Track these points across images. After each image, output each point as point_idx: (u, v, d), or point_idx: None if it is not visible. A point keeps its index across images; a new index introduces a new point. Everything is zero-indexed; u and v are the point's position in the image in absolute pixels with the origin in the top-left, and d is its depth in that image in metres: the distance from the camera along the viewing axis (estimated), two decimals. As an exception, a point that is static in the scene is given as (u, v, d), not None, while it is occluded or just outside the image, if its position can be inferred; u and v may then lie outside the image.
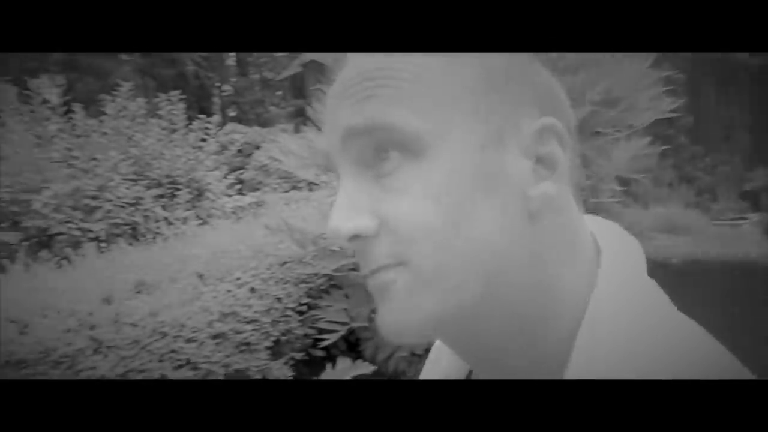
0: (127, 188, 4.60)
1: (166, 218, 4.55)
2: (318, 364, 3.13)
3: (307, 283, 3.31)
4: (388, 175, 0.42)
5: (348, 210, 0.42)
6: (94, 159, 4.70)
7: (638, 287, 0.45)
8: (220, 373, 2.68)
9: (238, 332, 2.84)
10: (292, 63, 18.91)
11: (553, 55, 2.65)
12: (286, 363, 3.00)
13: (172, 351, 2.61)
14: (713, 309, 4.67)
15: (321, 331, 3.08)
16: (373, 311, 0.48)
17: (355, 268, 2.86)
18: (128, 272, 2.91)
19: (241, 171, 8.56)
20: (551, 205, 0.43)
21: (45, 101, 5.08)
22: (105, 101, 5.13)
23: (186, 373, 2.62)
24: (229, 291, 2.94)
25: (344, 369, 2.91)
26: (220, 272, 3.07)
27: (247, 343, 2.87)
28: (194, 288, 2.90)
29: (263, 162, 8.73)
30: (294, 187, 7.92)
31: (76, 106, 5.01)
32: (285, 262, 3.32)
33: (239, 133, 9.90)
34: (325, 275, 3.29)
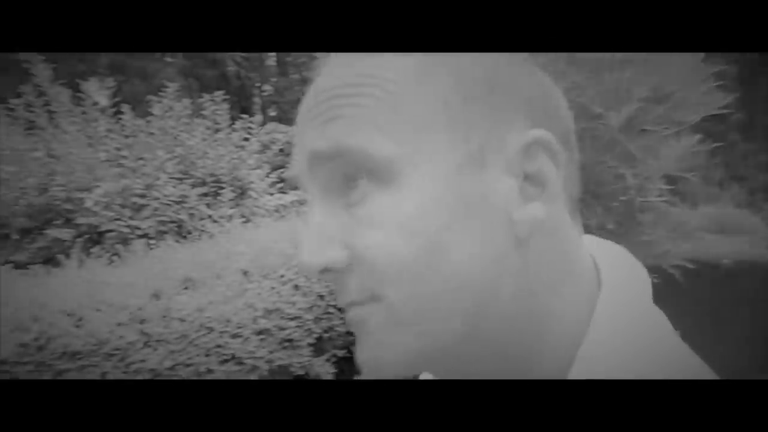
0: (174, 186, 4.72)
1: (210, 216, 4.65)
2: (359, 361, 3.15)
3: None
4: (357, 204, 0.38)
5: (318, 241, 0.39)
6: (142, 158, 4.84)
7: (640, 319, 0.40)
8: (264, 369, 2.73)
9: (282, 329, 2.88)
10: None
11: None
12: (328, 360, 3.03)
13: (218, 346, 2.67)
14: (765, 312, 4.50)
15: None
16: None
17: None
18: (176, 269, 2.99)
19: (283, 169, 8.68)
20: (541, 228, 0.39)
21: (95, 103, 5.26)
22: (152, 102, 5.27)
23: (231, 368, 2.67)
24: (273, 288, 2.99)
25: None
26: (264, 269, 3.12)
27: (290, 340, 2.91)
28: (239, 285, 2.96)
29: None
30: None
31: (125, 107, 5.16)
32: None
33: (280, 133, 10.03)
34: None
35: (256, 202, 5.31)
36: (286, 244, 3.43)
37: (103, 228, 4.40)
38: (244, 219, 4.64)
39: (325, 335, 3.15)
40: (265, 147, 6.40)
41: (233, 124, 5.53)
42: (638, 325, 0.40)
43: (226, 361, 2.69)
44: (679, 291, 2.93)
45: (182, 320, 2.68)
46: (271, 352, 2.82)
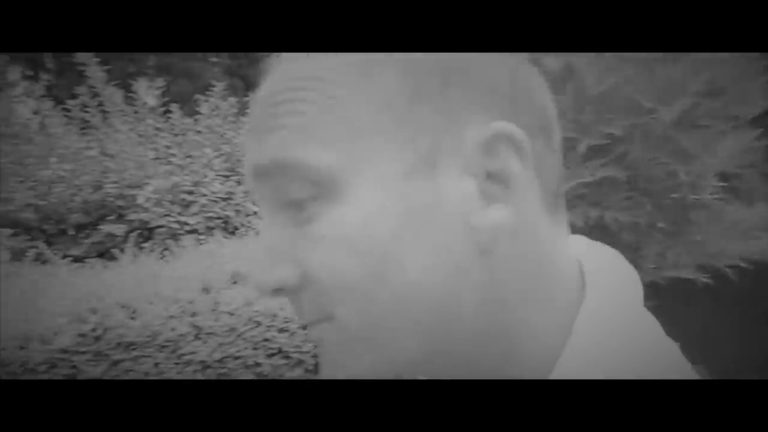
0: (221, 183, 4.83)
1: (255, 212, 4.74)
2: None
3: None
4: (305, 220, 0.36)
5: (269, 260, 0.36)
6: (190, 156, 4.97)
7: (628, 326, 0.37)
8: (310, 363, 2.77)
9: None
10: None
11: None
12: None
13: (266, 339, 2.73)
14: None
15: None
16: None
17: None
18: (224, 263, 3.06)
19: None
20: (508, 232, 0.35)
21: (145, 103, 5.43)
22: (199, 101, 5.40)
23: (278, 361, 2.72)
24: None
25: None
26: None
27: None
28: (285, 280, 3.00)
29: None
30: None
31: (173, 107, 5.31)
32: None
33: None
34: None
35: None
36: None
37: (154, 224, 4.54)
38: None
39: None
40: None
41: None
42: (626, 333, 0.36)
43: (273, 354, 2.74)
44: (736, 291, 2.83)
45: (231, 314, 2.75)
46: (315, 347, 2.85)
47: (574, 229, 1.89)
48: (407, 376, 0.37)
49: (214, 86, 5.45)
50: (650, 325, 0.39)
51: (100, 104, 5.16)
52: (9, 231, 4.48)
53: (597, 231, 2.26)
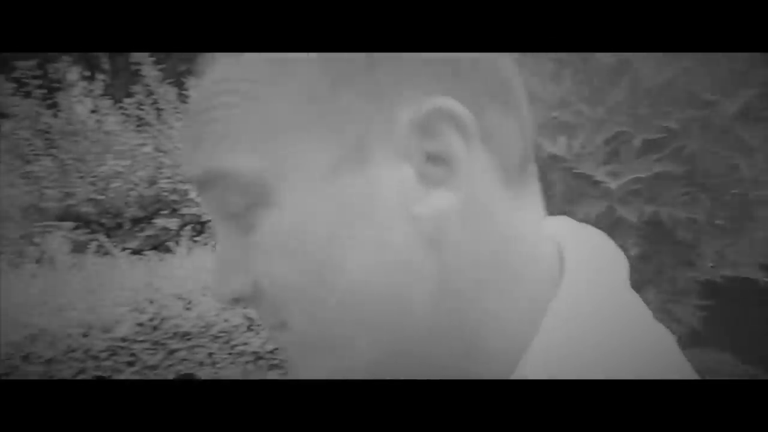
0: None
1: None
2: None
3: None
4: (248, 229, 0.34)
5: (223, 271, 0.35)
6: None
7: (610, 312, 0.34)
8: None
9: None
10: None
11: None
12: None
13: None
14: None
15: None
16: None
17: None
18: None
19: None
20: (455, 219, 0.33)
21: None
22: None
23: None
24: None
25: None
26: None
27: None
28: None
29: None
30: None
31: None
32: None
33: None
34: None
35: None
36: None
37: (206, 218, 4.66)
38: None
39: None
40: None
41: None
42: (607, 322, 0.33)
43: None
44: (800, 292, 2.70)
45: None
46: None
47: (627, 226, 1.82)
48: (373, 377, 0.35)
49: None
50: (637, 313, 0.36)
51: (155, 102, 5.33)
52: (71, 224, 4.70)
53: (651, 228, 2.20)
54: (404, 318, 0.33)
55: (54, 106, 5.35)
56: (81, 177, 5.03)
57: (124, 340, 2.54)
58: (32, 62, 5.20)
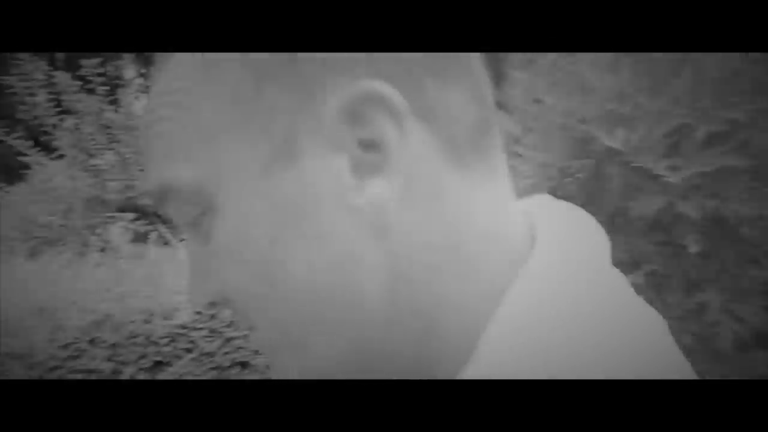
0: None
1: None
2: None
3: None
4: (206, 237, 0.34)
5: (194, 278, 0.36)
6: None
7: (582, 294, 0.32)
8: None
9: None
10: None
11: None
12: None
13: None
14: None
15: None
16: None
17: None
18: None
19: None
20: (399, 205, 0.31)
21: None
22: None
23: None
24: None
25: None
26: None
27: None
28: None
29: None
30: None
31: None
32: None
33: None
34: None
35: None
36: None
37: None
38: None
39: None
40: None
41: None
42: (577, 299, 0.31)
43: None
44: None
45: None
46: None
47: (688, 222, 1.76)
48: (343, 374, 0.34)
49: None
50: (618, 293, 0.33)
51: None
52: (132, 215, 4.89)
53: (713, 224, 2.12)
54: (358, 311, 0.32)
55: (115, 102, 5.56)
56: (141, 170, 5.22)
57: (183, 327, 2.63)
58: (96, 60, 5.42)
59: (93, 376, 2.24)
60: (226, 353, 2.62)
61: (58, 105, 3.48)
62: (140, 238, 4.16)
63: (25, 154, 3.69)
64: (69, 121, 5.24)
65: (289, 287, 0.32)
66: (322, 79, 0.31)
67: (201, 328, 2.65)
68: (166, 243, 3.82)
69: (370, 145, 0.31)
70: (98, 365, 2.30)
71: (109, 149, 5.33)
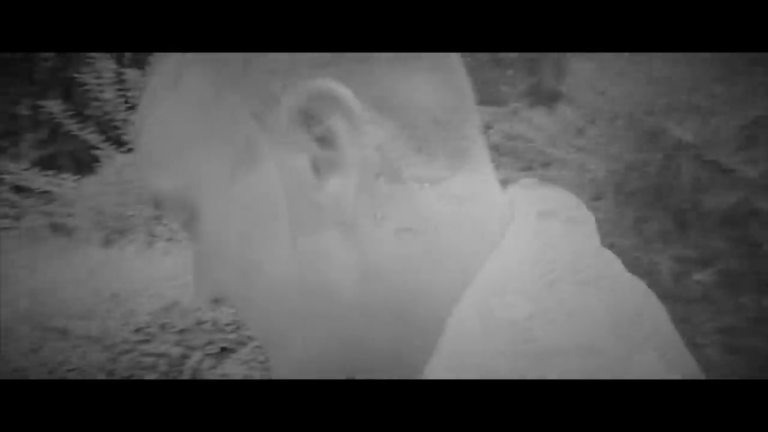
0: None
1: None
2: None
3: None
4: (195, 240, 0.36)
5: (196, 277, 0.37)
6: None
7: (559, 276, 0.31)
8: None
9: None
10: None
11: None
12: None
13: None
14: None
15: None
16: None
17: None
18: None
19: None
20: (360, 200, 0.31)
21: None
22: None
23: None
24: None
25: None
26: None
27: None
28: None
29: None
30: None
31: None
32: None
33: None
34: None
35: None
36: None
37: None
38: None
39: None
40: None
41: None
42: (555, 288, 0.31)
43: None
44: None
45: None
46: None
47: (765, 217, 1.66)
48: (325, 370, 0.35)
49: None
50: (606, 275, 0.33)
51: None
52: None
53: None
54: (334, 306, 0.33)
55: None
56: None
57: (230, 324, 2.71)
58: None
59: (162, 361, 2.35)
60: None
61: (127, 101, 3.65)
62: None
63: (97, 148, 3.89)
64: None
65: (266, 286, 0.33)
66: (275, 81, 0.32)
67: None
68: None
69: (325, 143, 0.32)
70: (168, 349, 2.40)
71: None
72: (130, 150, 5.17)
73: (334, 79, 0.31)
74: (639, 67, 1.87)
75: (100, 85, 4.20)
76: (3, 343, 2.36)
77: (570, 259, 0.32)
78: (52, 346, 2.29)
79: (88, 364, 2.28)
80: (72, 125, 3.56)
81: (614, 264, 0.34)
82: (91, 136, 4.23)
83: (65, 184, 3.39)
